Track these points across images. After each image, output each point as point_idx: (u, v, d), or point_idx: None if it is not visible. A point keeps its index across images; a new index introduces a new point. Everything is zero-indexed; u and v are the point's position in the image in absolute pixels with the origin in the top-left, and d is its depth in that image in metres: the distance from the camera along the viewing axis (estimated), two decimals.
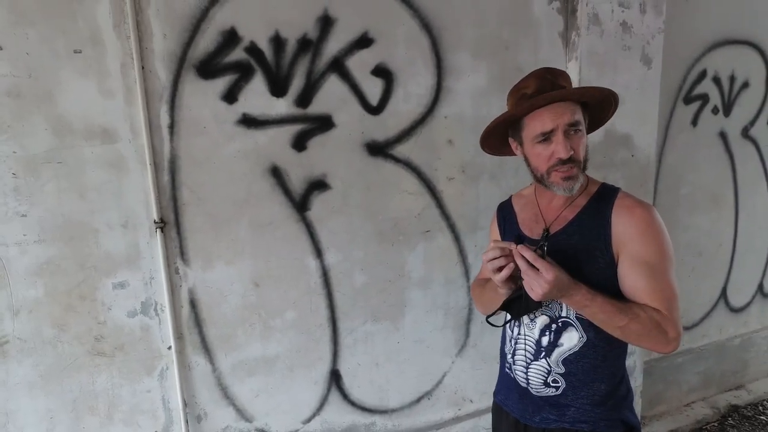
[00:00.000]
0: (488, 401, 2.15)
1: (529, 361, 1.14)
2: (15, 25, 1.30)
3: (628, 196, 1.09)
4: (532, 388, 1.14)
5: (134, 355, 1.55)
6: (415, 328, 1.97)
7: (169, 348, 1.59)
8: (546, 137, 1.03)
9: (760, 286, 2.90)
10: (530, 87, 1.05)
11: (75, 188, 1.42)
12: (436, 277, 1.96)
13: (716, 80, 2.44)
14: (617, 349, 1.11)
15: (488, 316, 1.16)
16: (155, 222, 1.51)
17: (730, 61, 2.45)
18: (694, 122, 2.44)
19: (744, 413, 2.72)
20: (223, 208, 1.59)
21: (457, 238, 1.98)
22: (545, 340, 1.11)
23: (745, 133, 2.62)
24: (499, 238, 1.28)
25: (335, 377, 1.87)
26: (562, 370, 1.10)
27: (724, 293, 2.76)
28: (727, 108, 2.52)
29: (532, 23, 1.93)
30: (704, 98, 2.44)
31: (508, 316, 1.20)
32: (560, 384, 1.10)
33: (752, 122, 2.62)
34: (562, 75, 1.07)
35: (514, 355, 1.18)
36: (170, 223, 1.54)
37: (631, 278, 1.02)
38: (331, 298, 1.80)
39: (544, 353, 1.11)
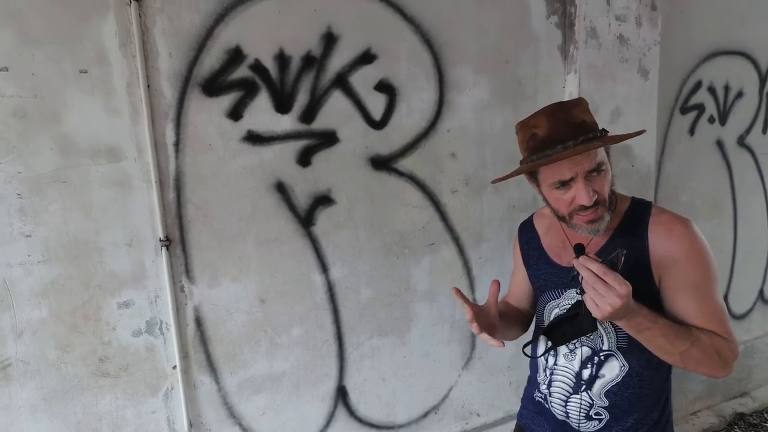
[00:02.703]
0: (495, 414, 2.14)
1: (568, 394, 1.07)
2: (21, 46, 1.30)
3: (663, 211, 1.03)
4: (572, 421, 1.08)
5: (139, 375, 1.53)
6: (422, 342, 1.96)
7: (174, 367, 1.57)
8: (564, 184, 0.95)
9: (761, 293, 2.92)
10: (541, 128, 0.96)
11: (80, 207, 1.41)
12: (441, 290, 1.96)
13: (711, 90, 2.48)
14: (663, 373, 1.06)
15: (525, 345, 1.10)
16: (160, 240, 1.50)
17: (724, 72, 2.49)
18: (692, 131, 2.47)
19: (750, 421, 2.71)
20: (229, 225, 1.59)
21: (461, 251, 1.98)
22: (586, 373, 1.04)
23: (741, 141, 2.66)
24: (521, 263, 1.22)
25: (342, 393, 1.85)
26: (605, 403, 1.04)
27: (726, 300, 2.77)
28: (723, 117, 2.56)
29: (532, 37, 1.96)
30: (700, 108, 2.47)
31: (542, 346, 1.12)
32: (603, 417, 1.05)
33: (747, 131, 2.66)
34: (577, 106, 0.96)
35: (550, 386, 1.12)
36: (175, 240, 1.53)
37: (681, 301, 0.96)
38: (337, 313, 1.79)
39: (585, 386, 1.05)
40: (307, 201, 1.69)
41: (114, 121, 1.42)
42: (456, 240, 1.97)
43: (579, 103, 0.97)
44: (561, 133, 0.93)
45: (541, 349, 1.14)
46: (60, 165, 1.38)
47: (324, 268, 1.75)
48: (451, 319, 2.00)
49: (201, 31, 1.49)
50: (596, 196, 0.94)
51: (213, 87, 1.52)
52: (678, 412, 2.66)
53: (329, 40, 1.64)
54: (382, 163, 1.79)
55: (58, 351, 1.43)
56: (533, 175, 1.03)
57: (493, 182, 1.13)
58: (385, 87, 1.75)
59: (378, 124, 1.76)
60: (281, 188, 1.64)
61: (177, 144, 1.50)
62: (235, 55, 1.53)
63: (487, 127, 1.94)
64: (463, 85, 1.87)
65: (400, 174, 1.82)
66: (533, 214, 1.27)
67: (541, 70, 2.01)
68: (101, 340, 1.48)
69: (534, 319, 1.25)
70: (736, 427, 2.67)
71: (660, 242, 0.98)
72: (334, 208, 1.73)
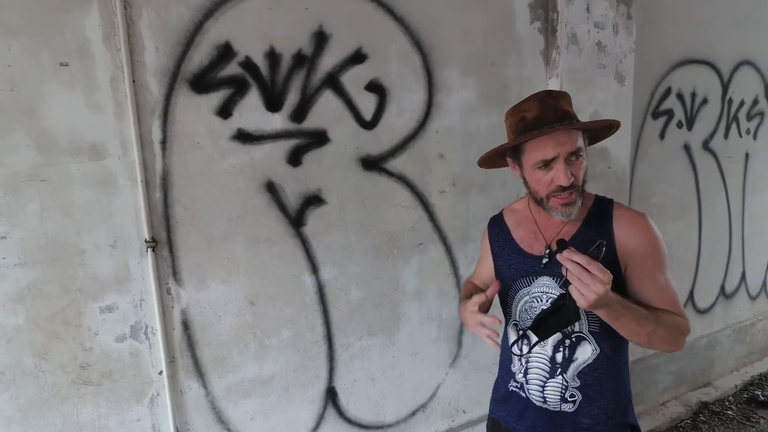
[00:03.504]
0: (481, 411, 2.18)
1: (545, 379, 1.13)
2: None
3: (623, 207, 1.14)
4: (550, 405, 1.14)
5: (123, 382, 1.47)
6: (410, 341, 1.97)
7: (160, 373, 1.51)
8: (547, 164, 1.03)
9: (722, 289, 3.10)
10: (531, 111, 1.04)
11: (60, 207, 1.34)
12: (429, 290, 1.98)
13: (680, 97, 2.61)
14: (624, 356, 1.15)
15: (512, 344, 1.16)
16: (146, 241, 1.44)
17: (691, 79, 2.63)
18: (662, 135, 2.60)
19: (713, 409, 2.88)
20: (218, 226, 1.55)
21: (449, 250, 2.01)
22: (560, 357, 1.11)
23: (706, 145, 2.81)
24: (490, 253, 1.28)
25: (331, 395, 1.83)
26: (577, 383, 1.11)
27: (691, 296, 2.92)
28: (690, 122, 2.70)
29: (516, 42, 2.01)
30: (670, 113, 2.60)
31: (512, 338, 1.19)
32: (576, 398, 1.11)
33: (711, 135, 2.82)
34: (564, 97, 1.07)
35: (526, 374, 1.16)
36: (162, 242, 1.48)
37: (644, 287, 1.06)
38: (327, 314, 1.78)
39: (560, 370, 1.11)
40: (298, 201, 1.67)
41: (97, 116, 1.36)
42: (444, 240, 1.99)
43: (565, 96, 1.08)
44: (549, 117, 1.02)
45: (511, 338, 1.20)
46: (38, 162, 1.31)
47: (314, 269, 1.73)
48: (439, 318, 2.02)
49: (189, 26, 1.44)
50: (572, 179, 1.02)
51: (202, 84, 1.48)
52: (648, 403, 2.79)
53: (320, 38, 1.63)
54: (372, 164, 1.79)
55: (35, 359, 1.35)
56: (517, 157, 1.10)
57: (480, 164, 1.20)
58: (375, 87, 1.75)
59: (368, 125, 1.76)
60: (271, 188, 1.62)
61: (164, 142, 1.45)
62: (225, 52, 1.49)
63: (473, 129, 1.97)
64: (451, 86, 1.90)
65: (390, 174, 1.83)
66: (502, 210, 1.33)
67: (525, 74, 2.06)
68: (82, 347, 1.41)
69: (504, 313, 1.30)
70: (701, 415, 2.82)
71: (624, 234, 1.08)
72: (324, 208, 1.72)
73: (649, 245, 1.07)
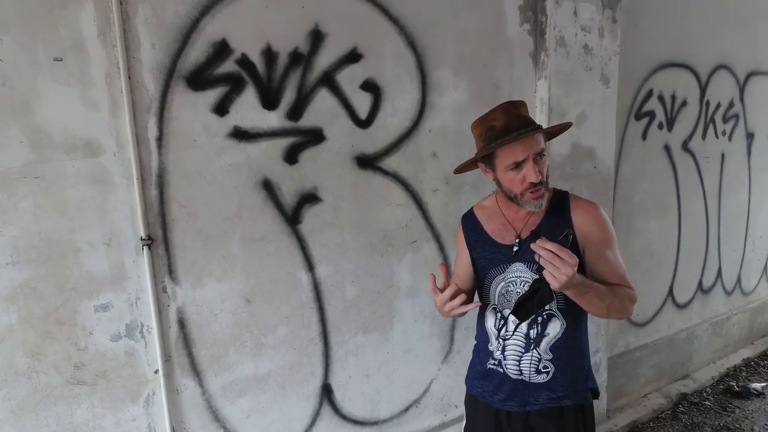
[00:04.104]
0: None
1: (521, 353, 1.27)
2: None
3: (577, 197, 1.31)
4: (525, 377, 1.28)
5: (118, 381, 1.45)
6: (404, 338, 2.00)
7: (156, 372, 1.50)
8: (518, 165, 1.16)
9: (700, 284, 3.22)
10: (498, 120, 1.18)
11: (54, 205, 1.32)
12: (423, 287, 2.01)
13: (661, 99, 2.71)
14: (584, 329, 1.34)
15: (497, 328, 1.29)
16: (142, 239, 1.43)
17: (671, 82, 2.73)
18: (644, 136, 2.69)
19: (691, 400, 2.99)
20: (214, 223, 1.54)
21: (441, 248, 2.04)
22: (533, 333, 1.26)
23: (685, 146, 2.92)
24: (466, 247, 1.38)
25: (327, 392, 1.84)
26: (550, 356, 1.26)
27: (671, 291, 3.03)
28: (670, 124, 2.80)
29: (507, 43, 2.06)
30: (651, 115, 2.69)
31: (491, 320, 1.31)
32: (550, 369, 1.27)
33: (690, 136, 2.92)
34: (522, 105, 1.22)
35: (504, 351, 1.30)
36: (158, 240, 1.47)
37: (600, 265, 1.23)
38: (322, 311, 1.79)
39: (533, 344, 1.26)
40: (294, 199, 1.67)
41: (92, 113, 1.34)
42: (437, 238, 2.02)
43: (523, 104, 1.23)
44: (514, 124, 1.16)
45: (490, 320, 1.33)
46: (31, 159, 1.28)
47: (310, 266, 1.74)
48: (432, 314, 2.05)
49: (186, 23, 1.44)
50: (540, 176, 1.16)
51: (198, 81, 1.47)
52: (631, 396, 2.88)
53: (316, 37, 1.64)
54: (367, 162, 1.80)
55: (28, 359, 1.33)
56: (489, 162, 1.22)
57: (456, 171, 1.35)
58: (370, 86, 1.77)
59: (363, 123, 1.78)
60: (268, 186, 1.62)
61: (160, 139, 1.44)
62: (222, 49, 1.49)
63: (465, 128, 1.98)
64: (444, 86, 1.93)
65: (385, 173, 1.85)
66: (473, 207, 1.44)
67: (515, 75, 2.10)
68: (77, 346, 1.39)
69: (477, 298, 1.42)
70: (680, 406, 2.93)
71: (581, 221, 1.24)
72: (320, 206, 1.73)
73: (602, 230, 1.24)
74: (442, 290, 1.16)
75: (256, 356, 1.67)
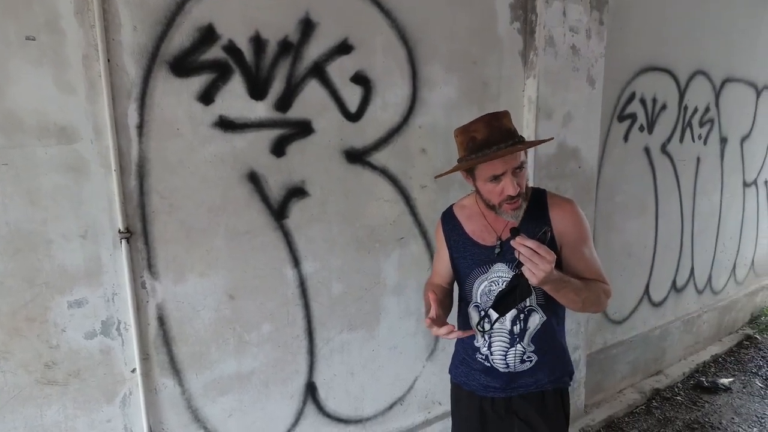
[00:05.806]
0: None
1: (507, 348, 1.33)
2: None
3: (554, 195, 1.33)
4: (512, 368, 1.33)
5: (92, 381, 1.38)
6: (390, 335, 1.98)
7: (133, 371, 1.44)
8: (497, 178, 1.18)
9: (674, 283, 3.32)
10: (480, 132, 1.18)
11: (24, 194, 1.24)
12: (409, 284, 1.99)
13: (642, 102, 2.76)
14: (562, 321, 1.39)
15: (477, 323, 1.32)
16: (120, 232, 1.36)
17: (652, 86, 2.79)
18: (626, 138, 2.74)
19: (664, 395, 3.08)
20: (197, 216, 1.48)
21: (428, 245, 2.03)
22: (516, 329, 1.31)
23: (663, 148, 2.99)
24: (446, 246, 1.39)
25: (311, 390, 1.81)
26: (532, 347, 1.33)
27: (647, 290, 3.11)
28: (651, 126, 2.86)
29: (497, 41, 2.05)
30: (633, 117, 2.74)
31: (475, 318, 1.34)
32: (533, 358, 1.33)
33: (668, 139, 3.00)
34: (506, 116, 1.21)
35: (490, 347, 1.34)
36: (137, 232, 1.40)
37: (577, 261, 1.27)
38: (308, 308, 1.75)
39: (518, 339, 1.32)
40: (281, 193, 1.63)
41: (67, 97, 1.26)
42: (424, 234, 2.01)
43: (506, 115, 1.22)
44: (495, 138, 1.16)
45: (474, 318, 1.36)
46: None
47: (296, 262, 1.70)
48: (418, 312, 2.04)
49: (170, 5, 1.37)
50: (519, 189, 1.18)
51: (182, 67, 1.40)
52: (608, 391, 2.95)
53: (307, 26, 1.59)
54: (356, 156, 1.77)
55: None
56: (470, 172, 1.24)
57: (437, 177, 1.36)
58: (361, 79, 1.73)
59: (353, 117, 1.74)
60: (254, 178, 1.57)
61: (141, 127, 1.37)
62: (208, 34, 1.43)
63: (455, 125, 1.96)
64: (435, 82, 1.91)
65: (374, 168, 1.82)
66: (452, 205, 1.43)
67: (504, 73, 2.10)
68: (48, 344, 1.31)
69: (458, 297, 1.44)
70: (653, 401, 3.02)
71: (558, 219, 1.27)
72: (307, 200, 1.68)
73: (578, 227, 1.28)
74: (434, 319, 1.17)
75: (239, 354, 1.62)
